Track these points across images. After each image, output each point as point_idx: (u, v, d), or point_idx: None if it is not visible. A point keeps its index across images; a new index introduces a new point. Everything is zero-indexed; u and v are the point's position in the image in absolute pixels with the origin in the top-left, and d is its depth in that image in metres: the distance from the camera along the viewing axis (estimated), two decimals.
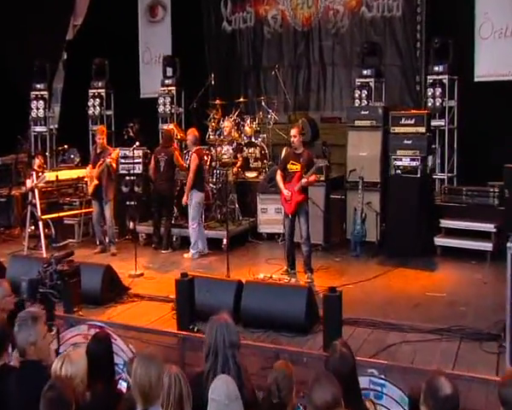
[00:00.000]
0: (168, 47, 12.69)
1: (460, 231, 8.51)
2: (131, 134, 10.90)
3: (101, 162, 8.74)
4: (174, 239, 9.40)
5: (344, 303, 5.39)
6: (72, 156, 11.09)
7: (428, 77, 10.05)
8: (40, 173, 9.20)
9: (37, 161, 10.38)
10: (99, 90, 12.29)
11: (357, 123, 9.17)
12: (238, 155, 9.90)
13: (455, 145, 10.07)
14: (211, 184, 9.49)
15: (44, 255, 8.21)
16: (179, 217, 9.44)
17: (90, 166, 9.03)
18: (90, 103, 12.27)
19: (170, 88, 11.79)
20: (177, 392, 2.90)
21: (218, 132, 10.50)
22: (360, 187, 8.71)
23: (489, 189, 8.61)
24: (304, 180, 7.28)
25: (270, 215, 9.52)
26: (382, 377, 3.83)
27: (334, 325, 5.11)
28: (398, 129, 8.71)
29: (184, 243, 9.21)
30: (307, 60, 12.26)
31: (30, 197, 9.19)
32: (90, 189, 8.98)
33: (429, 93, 9.92)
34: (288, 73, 12.17)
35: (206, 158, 9.37)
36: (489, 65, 10.12)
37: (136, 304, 6.87)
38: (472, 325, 5.96)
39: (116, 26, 12.06)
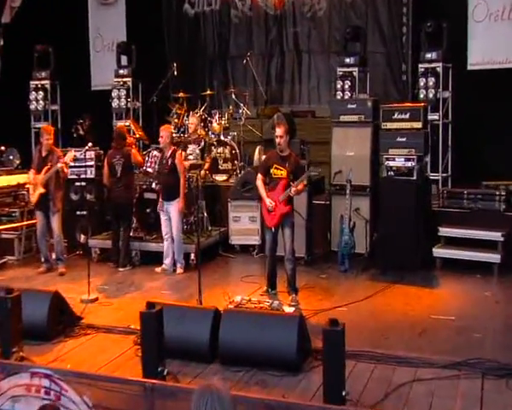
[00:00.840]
0: (123, 32, 12.38)
1: (462, 240, 8.20)
2: (81, 132, 10.62)
3: (48, 167, 8.17)
4: (133, 254, 8.87)
5: None
6: (10, 158, 10.54)
7: (420, 65, 9.76)
8: None
9: None
10: (42, 82, 11.84)
11: (343, 118, 8.85)
12: (205, 156, 9.59)
13: (449, 142, 9.83)
14: None
15: None
16: (139, 228, 8.98)
17: (33, 170, 8.36)
18: (31, 97, 11.82)
19: (125, 79, 11.47)
20: None
21: (182, 130, 10.23)
22: (348, 191, 8.26)
23: (494, 192, 8.36)
24: (292, 189, 6.79)
25: (244, 224, 9.17)
26: None
27: (335, 367, 4.48)
28: (390, 125, 8.39)
29: (146, 259, 8.76)
30: (280, 47, 12.03)
31: None
32: (34, 198, 8.33)
33: (421, 83, 9.65)
34: (258, 63, 11.92)
35: None
36: (483, 52, 10.02)
37: (90, 338, 6.21)
38: (492, 356, 5.45)
39: (62, 8, 11.57)
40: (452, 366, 5.26)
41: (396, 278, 7.78)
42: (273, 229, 6.98)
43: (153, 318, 5.10)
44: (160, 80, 10.84)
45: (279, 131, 6.88)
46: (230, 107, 10.71)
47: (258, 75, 11.39)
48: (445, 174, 9.82)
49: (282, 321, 5.60)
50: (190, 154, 9.21)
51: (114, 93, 11.39)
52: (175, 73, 10.74)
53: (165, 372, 4.97)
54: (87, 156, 8.58)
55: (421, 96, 9.59)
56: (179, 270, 8.37)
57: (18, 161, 10.37)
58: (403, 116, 8.29)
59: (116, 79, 11.53)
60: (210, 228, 9.21)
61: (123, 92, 11.36)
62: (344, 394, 4.39)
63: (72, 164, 8.69)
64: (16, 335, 5.32)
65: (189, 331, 5.55)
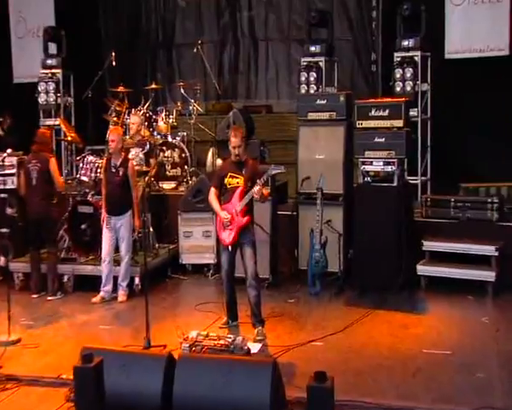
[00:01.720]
0: (50, 16, 11.86)
1: (449, 255, 7.92)
2: (1, 133, 10.24)
3: None
4: (65, 279, 8.28)
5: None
6: None
7: (395, 54, 9.64)
8: None
9: None
10: None
11: (311, 116, 8.51)
12: (151, 161, 9.00)
13: (428, 141, 9.77)
14: None
15: None
16: (72, 248, 8.48)
17: None
18: None
19: (54, 71, 11.10)
20: None
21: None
22: (318, 201, 7.93)
23: (486, 199, 8.16)
24: (256, 188, 6.37)
25: (196, 240, 8.88)
26: None
27: None
28: (366, 123, 8.11)
29: (81, 285, 8.23)
30: (234, 34, 12.09)
31: None
32: None
33: (397, 75, 9.53)
34: (209, 52, 11.93)
35: None
36: (463, 38, 9.95)
37: (10, 394, 5.46)
38: (502, 403, 5.00)
39: None
40: None
41: (376, 301, 7.47)
42: (230, 248, 6.58)
43: (89, 373, 4.38)
44: (95, 72, 10.53)
45: (236, 141, 6.53)
46: (178, 103, 10.43)
47: (209, 66, 11.20)
48: (424, 178, 9.71)
49: (252, 369, 4.97)
50: (133, 158, 8.52)
51: (41, 87, 10.96)
52: (113, 63, 10.40)
53: None
54: (6, 163, 8.23)
55: (398, 89, 9.46)
56: (121, 297, 7.90)
57: None
58: (381, 113, 7.98)
59: (43, 71, 11.13)
60: (157, 246, 8.81)
61: (51, 86, 10.95)
62: None
63: None
64: None
65: (135, 384, 4.90)
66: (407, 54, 9.44)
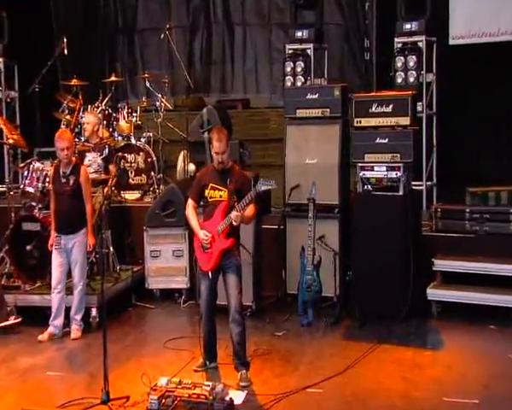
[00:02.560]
0: None
1: (465, 276, 7.69)
2: None
3: None
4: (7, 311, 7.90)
5: None
6: None
7: (396, 39, 9.42)
8: None
9: None
10: None
11: (301, 113, 8.30)
12: (110, 167, 8.76)
13: (434, 140, 9.67)
14: None
15: None
16: (15, 274, 8.24)
17: None
18: None
19: None
20: None
21: (76, 131, 9.75)
22: (310, 214, 7.66)
23: (508, 209, 7.90)
24: (233, 213, 6.02)
25: (166, 261, 8.68)
26: None
27: None
28: (366, 121, 7.89)
29: (25, 318, 7.74)
30: (206, 18, 12.02)
31: None
32: None
33: (398, 64, 9.31)
34: (178, 39, 11.65)
35: None
36: (469, 21, 9.75)
37: None
38: None
39: None
40: None
41: (381, 334, 7.16)
42: (210, 274, 6.24)
43: None
44: (44, 62, 10.18)
45: (220, 146, 6.18)
46: (143, 98, 10.49)
47: (177, 55, 10.99)
48: (429, 183, 9.59)
49: None
50: (89, 165, 8.54)
51: None
52: (65, 51, 10.18)
53: None
54: None
55: (399, 80, 9.26)
56: (75, 334, 7.45)
57: None
58: (384, 109, 7.74)
59: None
60: (118, 268, 8.57)
61: None
62: None
63: None
64: None
65: None
66: (410, 39, 9.24)
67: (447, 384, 5.99)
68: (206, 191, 6.26)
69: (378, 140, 7.77)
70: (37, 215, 8.04)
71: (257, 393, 5.86)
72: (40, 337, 7.36)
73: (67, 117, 9.74)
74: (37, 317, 7.66)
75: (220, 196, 6.23)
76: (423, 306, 7.68)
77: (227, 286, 6.21)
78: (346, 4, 11.11)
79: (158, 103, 10.04)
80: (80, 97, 9.94)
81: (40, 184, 8.13)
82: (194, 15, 11.88)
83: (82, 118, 9.52)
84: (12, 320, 7.64)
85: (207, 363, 6.42)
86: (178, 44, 11.35)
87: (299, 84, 9.65)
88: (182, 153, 9.70)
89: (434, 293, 7.74)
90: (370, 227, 7.67)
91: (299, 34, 9.88)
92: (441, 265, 7.85)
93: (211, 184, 6.25)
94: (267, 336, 7.28)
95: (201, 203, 6.39)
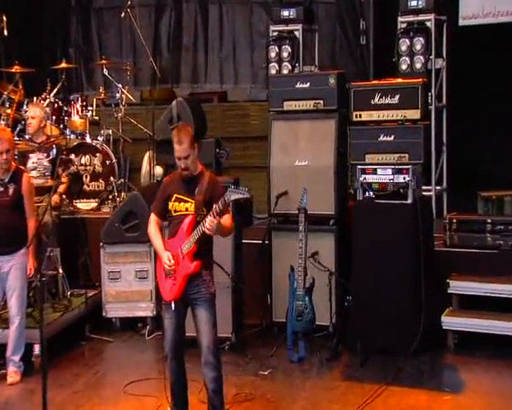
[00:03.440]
0: None
1: (487, 300, 7.49)
2: None
3: None
4: None
5: None
6: None
7: (400, 19, 9.27)
8: None
9: None
10: None
11: (289, 106, 8.19)
12: (60, 171, 8.60)
13: (444, 137, 9.54)
14: None
15: None
16: None
17: None
18: None
19: None
20: None
21: (18, 128, 9.63)
22: (301, 226, 7.49)
23: None
24: (207, 222, 5.71)
25: (127, 284, 8.51)
26: None
27: None
28: (367, 114, 7.83)
29: None
30: None
31: None
32: None
33: (403, 47, 9.17)
34: (141, 19, 11.31)
35: None
36: None
37: None
38: None
39: None
40: None
41: (388, 372, 6.90)
42: (173, 305, 5.94)
43: None
44: None
45: (182, 149, 5.94)
46: (100, 89, 10.29)
47: (142, 38, 10.77)
48: (439, 187, 9.48)
49: None
50: (34, 168, 8.45)
51: None
52: (4, 32, 10.03)
53: None
54: None
55: (404, 67, 9.14)
56: (13, 377, 7.11)
57: None
58: (389, 100, 7.63)
59: None
60: (69, 294, 8.36)
61: None
62: None
63: None
64: None
65: None
66: (416, 18, 9.13)
67: None
68: (170, 204, 6.01)
69: (382, 137, 7.69)
70: None
71: None
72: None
73: (8, 111, 9.61)
74: None
75: (186, 209, 5.97)
76: (438, 337, 7.52)
77: (197, 322, 5.91)
78: None
79: (118, 95, 9.95)
80: (21, 87, 9.81)
81: None
82: None
83: (26, 112, 9.37)
84: None
85: None
86: (143, 26, 11.14)
87: (285, 72, 9.66)
88: (147, 154, 9.61)
89: (451, 321, 7.53)
90: (373, 242, 7.54)
91: (285, 14, 9.88)
92: (458, 287, 7.66)
93: (175, 195, 6.00)
94: (250, 376, 7.09)
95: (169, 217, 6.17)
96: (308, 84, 8.08)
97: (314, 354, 7.43)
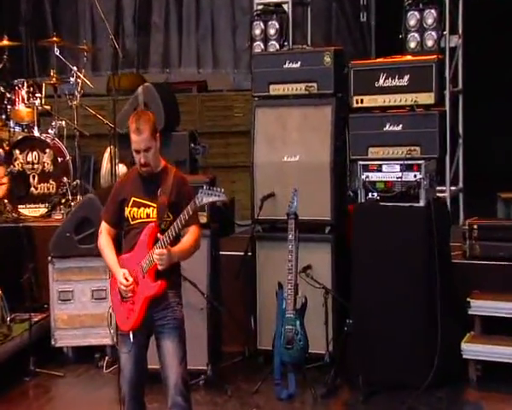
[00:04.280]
0: None
1: None
2: None
3: None
4: None
5: None
6: None
7: None
8: None
9: None
10: None
11: (276, 89, 8.05)
12: (0, 170, 8.95)
13: (460, 128, 9.51)
14: None
15: None
16: None
17: None
18: None
19: None
20: None
21: None
22: (290, 235, 7.32)
23: None
24: (156, 251, 5.53)
25: (81, 306, 8.33)
26: None
27: None
28: (370, 99, 7.58)
29: None
30: None
31: None
32: None
33: (411, 21, 9.01)
34: None
35: None
36: None
37: None
38: None
39: None
40: None
41: None
42: (131, 336, 5.66)
43: None
44: None
45: (140, 139, 5.64)
46: (52, 72, 10.03)
47: (103, 13, 10.41)
48: (454, 187, 9.47)
49: None
50: None
51: None
52: None
53: None
54: None
55: (412, 45, 9.01)
56: None
57: None
58: (396, 82, 7.35)
59: None
60: (9, 319, 8.12)
61: None
62: None
63: None
64: None
65: None
66: None
67: None
68: (127, 209, 5.69)
69: (388, 127, 7.44)
70: None
71: None
72: None
73: None
74: None
75: (147, 216, 5.67)
76: (457, 368, 7.31)
77: (162, 354, 5.63)
78: None
79: (72, 81, 9.79)
80: None
81: None
82: None
83: None
84: None
85: None
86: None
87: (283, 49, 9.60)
88: (108, 149, 9.41)
89: (472, 349, 7.30)
90: (377, 253, 7.35)
91: None
92: (481, 307, 7.45)
93: (133, 199, 5.69)
94: None
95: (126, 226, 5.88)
96: (299, 64, 7.92)
97: (307, 390, 7.24)
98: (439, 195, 8.45)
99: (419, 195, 7.23)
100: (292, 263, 7.23)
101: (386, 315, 7.21)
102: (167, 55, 11.93)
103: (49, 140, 9.47)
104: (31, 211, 9.38)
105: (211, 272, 7.54)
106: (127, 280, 5.52)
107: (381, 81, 7.42)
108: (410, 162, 7.24)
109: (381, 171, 7.36)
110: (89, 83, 10.09)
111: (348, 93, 7.66)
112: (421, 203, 7.21)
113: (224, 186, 8.99)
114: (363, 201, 7.47)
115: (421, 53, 8.73)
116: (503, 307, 7.32)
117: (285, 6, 9.79)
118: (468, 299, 7.38)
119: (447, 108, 9.10)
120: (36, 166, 9.42)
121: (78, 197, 9.33)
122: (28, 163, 9.39)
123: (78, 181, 9.54)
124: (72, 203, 9.23)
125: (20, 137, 9.43)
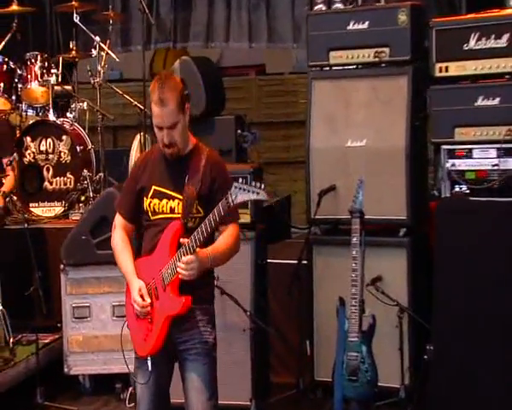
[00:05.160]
0: None
1: None
2: None
3: None
4: None
5: None
6: None
7: None
8: None
9: None
10: None
11: (337, 57, 7.58)
12: (4, 161, 8.48)
13: None
14: None
15: None
16: None
17: None
18: None
19: None
20: None
21: None
22: (355, 239, 6.87)
23: None
24: (182, 260, 5.17)
25: (101, 326, 7.96)
26: None
27: None
28: (458, 66, 7.00)
29: None
30: None
31: None
32: None
33: None
34: None
35: None
36: None
37: None
38: None
39: None
40: None
41: None
42: (149, 363, 5.32)
43: None
44: None
45: (165, 113, 5.20)
46: (72, 44, 9.93)
47: None
48: None
49: None
50: None
51: None
52: None
53: None
54: None
55: None
56: None
57: None
58: (492, 43, 6.79)
59: None
60: (11, 341, 7.77)
61: None
62: None
63: None
64: None
65: None
66: None
67: None
68: (147, 201, 5.28)
69: (481, 101, 6.85)
70: None
71: None
72: None
73: None
74: None
75: (172, 211, 5.25)
76: None
77: (186, 388, 5.23)
78: None
79: (95, 54, 9.51)
80: None
81: None
82: None
83: None
84: None
85: None
86: None
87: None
88: (137, 137, 9.35)
89: None
90: (467, 262, 6.78)
91: None
92: None
93: (154, 187, 5.28)
94: None
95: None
96: (367, 25, 7.36)
97: None
98: None
99: None
100: (357, 273, 6.78)
101: (479, 341, 6.65)
102: (210, 28, 11.45)
103: (67, 126, 9.25)
104: (44, 210, 9.21)
105: (256, 284, 7.20)
106: (144, 299, 5.16)
107: (472, 43, 6.86)
108: (510, 146, 6.71)
109: (471, 157, 6.88)
110: (115, 56, 9.90)
111: (429, 60, 7.08)
112: None
113: (284, 185, 8.66)
114: (447, 195, 6.99)
115: None
116: None
117: None
118: None
119: None
120: (50, 156, 9.19)
121: (101, 192, 9.11)
122: (41, 153, 9.18)
123: (102, 175, 9.25)
124: (91, 201, 9.02)
125: (31, 121, 9.28)
